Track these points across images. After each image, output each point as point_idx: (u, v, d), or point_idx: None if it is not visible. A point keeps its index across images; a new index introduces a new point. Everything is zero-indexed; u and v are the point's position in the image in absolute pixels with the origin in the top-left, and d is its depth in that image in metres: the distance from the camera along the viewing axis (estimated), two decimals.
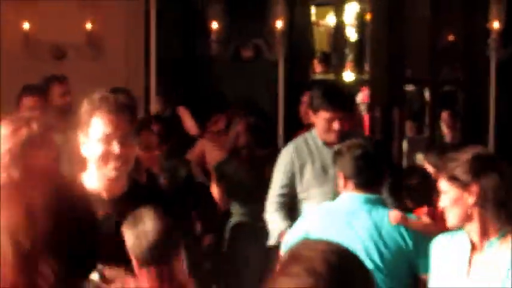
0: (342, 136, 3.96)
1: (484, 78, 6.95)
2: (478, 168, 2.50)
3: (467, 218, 2.52)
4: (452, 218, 2.55)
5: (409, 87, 8.08)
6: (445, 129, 7.01)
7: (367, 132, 7.59)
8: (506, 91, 6.88)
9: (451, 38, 7.65)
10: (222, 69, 7.52)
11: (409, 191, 3.87)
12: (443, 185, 2.51)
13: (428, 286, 2.83)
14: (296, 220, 3.79)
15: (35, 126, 2.68)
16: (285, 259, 1.37)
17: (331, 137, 4.02)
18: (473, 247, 2.60)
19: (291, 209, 4.24)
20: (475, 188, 2.47)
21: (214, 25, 6.88)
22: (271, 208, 4.29)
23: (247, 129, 5.10)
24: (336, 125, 3.99)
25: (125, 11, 7.02)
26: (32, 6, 6.77)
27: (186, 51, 7.46)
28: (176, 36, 7.44)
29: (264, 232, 4.23)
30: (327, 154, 4.08)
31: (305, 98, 5.62)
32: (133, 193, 2.57)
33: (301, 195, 4.21)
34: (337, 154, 3.50)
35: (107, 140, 2.47)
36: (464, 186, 2.51)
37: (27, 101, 5.35)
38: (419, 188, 3.79)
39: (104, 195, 2.45)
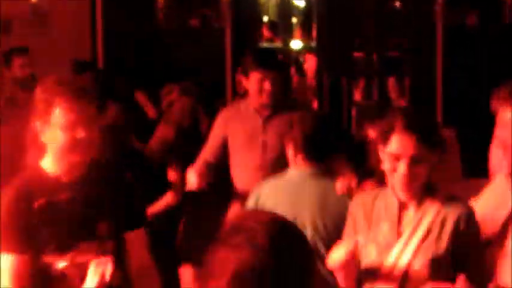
0: (277, 101, 4.02)
1: (430, 44, 7.04)
2: None
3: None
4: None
5: (357, 55, 7.99)
6: (392, 95, 7.01)
7: (314, 99, 7.83)
8: (454, 56, 6.96)
9: (397, 4, 7.80)
10: (170, 40, 7.36)
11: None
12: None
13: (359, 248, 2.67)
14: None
15: None
16: (227, 229, 1.37)
17: (263, 98, 4.03)
18: (400, 205, 2.59)
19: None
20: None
21: None
22: (200, 166, 4.23)
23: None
24: (267, 85, 3.98)
25: None
26: None
27: (134, 24, 7.18)
28: (123, 7, 7.15)
29: None
30: (257, 121, 4.14)
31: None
32: (94, 175, 2.51)
33: (230, 159, 4.27)
34: (289, 127, 3.48)
35: (71, 126, 2.38)
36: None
37: (19, 61, 5.56)
38: (364, 163, 3.86)
39: (65, 178, 2.40)
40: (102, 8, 6.91)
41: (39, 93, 2.47)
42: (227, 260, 1.23)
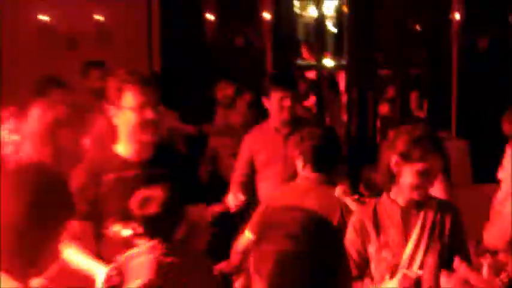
0: (295, 120, 4.29)
1: (446, 63, 7.48)
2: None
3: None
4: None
5: (383, 72, 8.21)
6: (413, 108, 7.46)
7: (344, 112, 8.10)
8: (467, 74, 7.30)
9: (418, 28, 8.06)
10: (216, 56, 7.67)
11: (366, 181, 4.45)
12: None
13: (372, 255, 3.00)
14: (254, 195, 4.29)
15: (61, 109, 3.17)
16: (264, 226, 1.53)
17: (284, 115, 4.30)
18: (402, 211, 2.91)
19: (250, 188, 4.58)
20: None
21: (210, 16, 7.31)
22: (234, 188, 4.57)
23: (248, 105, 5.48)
24: (287, 102, 4.22)
25: (129, 4, 7.34)
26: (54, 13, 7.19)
27: (185, 41, 7.54)
28: (176, 26, 7.55)
29: None
30: (278, 139, 4.40)
31: None
32: (160, 156, 2.81)
33: (256, 175, 4.53)
34: (299, 141, 3.69)
35: (141, 108, 2.68)
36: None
37: (95, 73, 5.84)
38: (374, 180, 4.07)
39: (134, 158, 2.71)
40: (160, 26, 7.37)
41: (112, 82, 2.81)
42: (268, 253, 1.35)
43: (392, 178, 2.86)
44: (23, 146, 3.14)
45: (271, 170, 4.35)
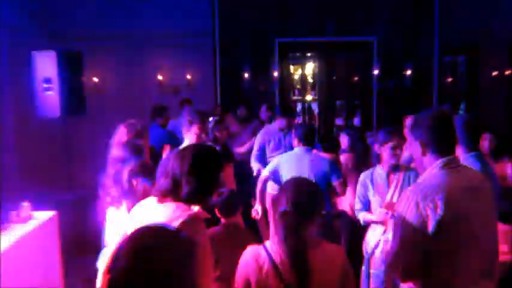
0: (290, 126, 5.44)
1: (371, 96, 9.51)
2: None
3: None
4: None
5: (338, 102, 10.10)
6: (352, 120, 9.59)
7: (315, 121, 9.83)
8: (384, 106, 9.25)
9: (358, 77, 10.04)
10: (249, 95, 9.30)
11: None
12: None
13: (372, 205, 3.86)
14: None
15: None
16: (276, 195, 2.29)
17: (285, 127, 5.65)
18: (386, 174, 3.83)
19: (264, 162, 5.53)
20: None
21: (246, 74, 9.26)
22: (254, 160, 5.76)
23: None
24: (283, 123, 5.65)
25: (204, 67, 9.34)
26: (160, 63, 9.35)
27: (233, 88, 9.46)
28: (228, 79, 9.45)
29: None
30: (280, 134, 5.63)
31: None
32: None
33: (269, 157, 5.60)
34: (295, 130, 4.74)
35: (199, 134, 3.86)
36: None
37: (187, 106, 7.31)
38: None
39: None
40: (220, 80, 9.29)
41: (187, 116, 4.00)
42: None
43: (378, 156, 3.90)
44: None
45: (276, 151, 5.61)
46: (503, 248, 3.31)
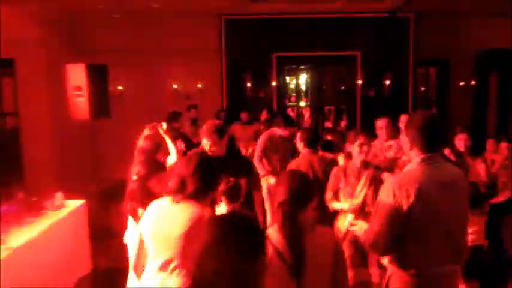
0: (291, 135, 5.23)
1: (355, 103, 9.56)
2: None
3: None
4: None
5: (326, 107, 9.96)
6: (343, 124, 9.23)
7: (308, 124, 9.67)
8: (366, 110, 9.15)
9: (344, 86, 10.04)
10: (251, 101, 9.30)
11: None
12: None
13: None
14: None
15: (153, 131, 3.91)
16: (274, 187, 2.28)
17: (288, 135, 5.36)
18: (357, 168, 3.93)
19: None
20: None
21: (248, 83, 9.27)
22: (258, 161, 5.59)
23: None
24: (286, 133, 5.40)
25: (212, 77, 9.44)
26: (174, 74, 9.43)
27: (237, 95, 9.49)
28: (233, 88, 9.49)
29: None
30: (285, 143, 5.39)
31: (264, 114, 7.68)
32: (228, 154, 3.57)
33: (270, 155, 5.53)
34: (300, 136, 4.69)
35: (214, 142, 3.47)
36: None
37: (193, 111, 7.58)
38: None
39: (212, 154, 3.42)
40: (226, 88, 9.33)
41: (204, 128, 3.70)
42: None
43: (349, 154, 4.15)
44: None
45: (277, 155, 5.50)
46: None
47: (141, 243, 2.44)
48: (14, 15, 7.03)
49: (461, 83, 10.01)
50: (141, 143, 3.74)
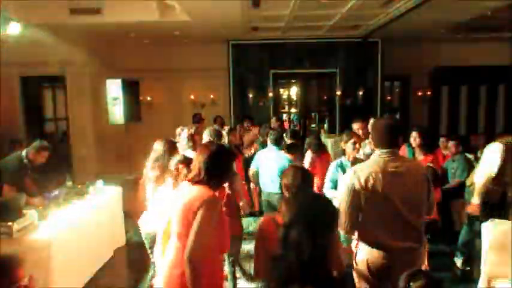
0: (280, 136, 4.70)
1: (333, 109, 9.39)
2: None
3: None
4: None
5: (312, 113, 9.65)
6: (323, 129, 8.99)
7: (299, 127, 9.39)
8: (344, 116, 8.83)
9: (326, 96, 9.70)
10: (253, 109, 9.05)
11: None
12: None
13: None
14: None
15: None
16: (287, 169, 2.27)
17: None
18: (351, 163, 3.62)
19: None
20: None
21: (250, 94, 9.07)
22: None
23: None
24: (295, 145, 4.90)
25: (222, 90, 9.37)
26: (192, 87, 9.41)
27: (241, 104, 9.18)
28: (238, 98, 9.33)
29: None
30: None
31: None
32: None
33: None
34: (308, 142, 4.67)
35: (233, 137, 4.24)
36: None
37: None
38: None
39: None
40: (233, 98, 9.18)
41: (206, 133, 3.98)
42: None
43: (343, 150, 3.86)
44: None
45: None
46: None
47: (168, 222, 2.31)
48: (65, 40, 6.98)
49: (420, 94, 9.98)
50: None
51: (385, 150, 2.33)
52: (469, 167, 4.87)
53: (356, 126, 5.17)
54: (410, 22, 7.11)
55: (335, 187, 3.67)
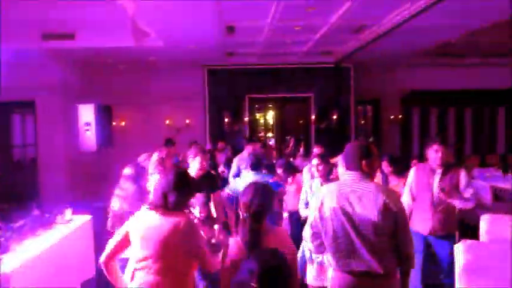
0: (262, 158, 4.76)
1: (310, 134, 9.53)
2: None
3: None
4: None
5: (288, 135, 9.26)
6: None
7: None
8: (319, 139, 8.83)
9: (301, 120, 9.76)
10: (228, 134, 9.01)
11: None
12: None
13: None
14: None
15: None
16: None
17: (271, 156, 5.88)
18: None
19: None
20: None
21: (226, 119, 9.06)
22: (232, 177, 5.42)
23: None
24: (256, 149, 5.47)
25: (197, 114, 9.36)
26: (167, 112, 9.27)
27: (217, 127, 9.37)
28: (215, 122, 9.39)
29: None
30: (248, 160, 4.74)
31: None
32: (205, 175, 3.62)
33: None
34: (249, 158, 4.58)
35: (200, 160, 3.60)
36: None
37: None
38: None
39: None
40: (209, 122, 9.17)
41: (193, 151, 3.73)
42: None
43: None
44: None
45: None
46: None
47: (126, 236, 2.25)
48: (36, 64, 6.91)
49: (391, 117, 10.18)
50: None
51: (350, 172, 2.36)
52: None
53: (317, 150, 5.26)
54: (380, 48, 7.36)
55: (307, 206, 3.73)
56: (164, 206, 2.18)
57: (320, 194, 2.38)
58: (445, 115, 10.26)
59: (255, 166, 4.42)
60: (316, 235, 2.36)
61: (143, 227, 2.18)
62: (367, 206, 2.24)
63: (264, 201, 2.02)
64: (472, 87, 9.54)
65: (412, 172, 3.59)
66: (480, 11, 5.04)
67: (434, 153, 3.45)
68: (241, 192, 2.14)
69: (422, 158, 5.51)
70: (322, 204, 2.32)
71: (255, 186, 2.11)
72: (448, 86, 9.42)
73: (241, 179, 4.61)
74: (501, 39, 6.65)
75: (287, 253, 1.79)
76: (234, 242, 2.09)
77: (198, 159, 3.69)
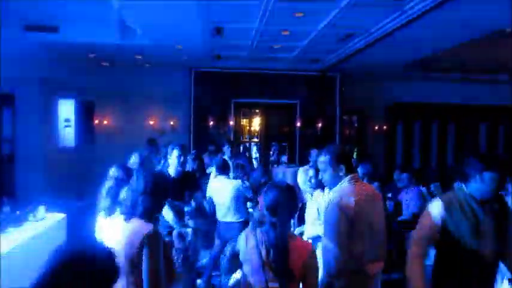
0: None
1: (293, 139, 9.61)
2: None
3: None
4: None
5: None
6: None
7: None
8: (303, 147, 8.74)
9: (286, 127, 9.79)
10: (213, 141, 8.15)
11: None
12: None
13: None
14: None
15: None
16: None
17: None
18: None
19: None
20: None
21: (211, 128, 9.11)
22: None
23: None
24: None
25: (182, 117, 9.37)
26: (151, 113, 9.24)
27: (202, 134, 9.28)
28: (199, 129, 9.31)
29: None
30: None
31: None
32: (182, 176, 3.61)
33: None
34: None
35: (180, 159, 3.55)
36: None
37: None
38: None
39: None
40: (194, 127, 9.15)
41: (174, 152, 3.70)
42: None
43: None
44: None
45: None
46: None
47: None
48: (15, 55, 6.62)
49: (376, 128, 10.26)
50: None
51: (352, 175, 2.48)
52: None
53: (314, 153, 5.29)
54: (367, 59, 7.46)
55: None
56: (131, 213, 2.05)
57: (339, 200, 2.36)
58: (429, 128, 10.43)
59: (221, 169, 4.40)
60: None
61: (110, 234, 2.11)
62: (375, 206, 2.44)
63: (291, 203, 1.99)
64: (454, 102, 9.77)
65: None
66: (468, 23, 5.14)
67: None
68: (263, 193, 2.10)
69: (406, 169, 5.74)
70: (342, 210, 2.34)
71: (278, 188, 2.03)
72: (432, 99, 9.60)
73: (209, 182, 4.61)
74: (484, 56, 6.88)
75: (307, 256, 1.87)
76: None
77: (174, 152, 3.56)
